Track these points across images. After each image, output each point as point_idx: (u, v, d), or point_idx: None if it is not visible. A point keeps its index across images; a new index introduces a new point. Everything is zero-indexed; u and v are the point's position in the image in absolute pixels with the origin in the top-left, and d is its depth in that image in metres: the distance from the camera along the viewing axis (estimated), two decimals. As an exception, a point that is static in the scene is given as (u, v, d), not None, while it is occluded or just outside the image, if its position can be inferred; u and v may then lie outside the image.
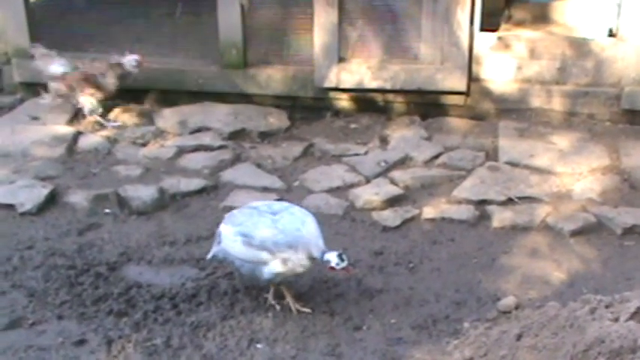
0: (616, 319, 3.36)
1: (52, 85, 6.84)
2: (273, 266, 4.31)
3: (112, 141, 6.59)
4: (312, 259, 4.29)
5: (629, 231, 5.30)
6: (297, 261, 4.29)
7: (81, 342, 4.25)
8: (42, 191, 5.68)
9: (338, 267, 4.26)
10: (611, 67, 6.75)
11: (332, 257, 4.25)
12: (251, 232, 4.33)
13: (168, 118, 6.90)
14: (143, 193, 5.68)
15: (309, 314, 4.46)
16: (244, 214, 4.47)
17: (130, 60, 6.78)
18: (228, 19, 6.94)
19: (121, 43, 7.17)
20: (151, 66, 6.93)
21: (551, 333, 3.52)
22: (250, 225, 4.35)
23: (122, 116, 6.94)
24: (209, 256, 4.65)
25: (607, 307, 3.48)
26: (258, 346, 4.23)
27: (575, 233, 5.29)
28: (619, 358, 3.17)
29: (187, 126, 6.79)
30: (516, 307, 4.41)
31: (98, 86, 6.78)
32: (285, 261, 4.29)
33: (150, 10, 7.41)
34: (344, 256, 4.27)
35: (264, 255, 4.30)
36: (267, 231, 4.30)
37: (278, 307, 4.50)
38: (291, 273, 4.38)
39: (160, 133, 6.73)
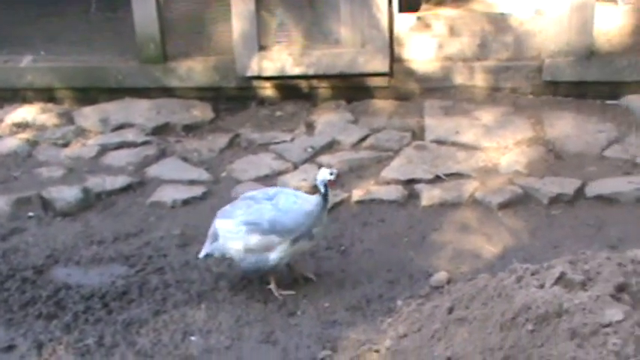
0: (542, 286, 3.38)
1: None
2: (282, 249, 4.34)
3: (32, 143, 6.47)
4: (312, 237, 4.39)
5: (555, 200, 5.37)
6: (306, 237, 4.38)
7: (10, 348, 4.17)
8: (-39, 198, 5.55)
9: (333, 176, 4.30)
10: (530, 41, 6.83)
11: (324, 174, 4.30)
12: (257, 218, 4.35)
13: (88, 116, 6.79)
14: (67, 194, 5.58)
15: (242, 303, 4.45)
16: (240, 206, 4.48)
17: None
18: (144, 13, 6.84)
19: (36, 43, 7.04)
20: (67, 65, 6.80)
21: (481, 304, 3.53)
22: (254, 212, 4.38)
23: (40, 117, 6.80)
24: (201, 255, 4.59)
25: (533, 274, 3.50)
26: (193, 338, 4.20)
27: (503, 206, 5.34)
28: (546, 323, 3.21)
29: (109, 123, 6.69)
30: (448, 282, 4.44)
31: None
32: (294, 241, 4.34)
33: (63, 8, 7.27)
34: (333, 171, 4.33)
35: (273, 239, 4.33)
36: (272, 213, 4.34)
37: (280, 297, 4.48)
38: (298, 252, 4.47)
39: (82, 133, 6.63)
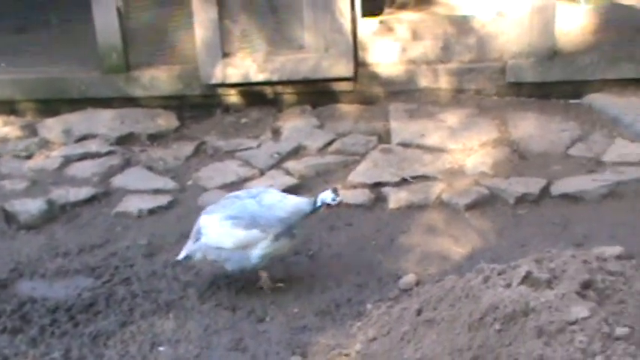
0: (508, 285, 3.39)
1: None
2: (264, 245, 4.36)
3: (-6, 156, 6.41)
4: (294, 236, 4.44)
5: (521, 200, 5.39)
6: (287, 236, 4.41)
7: (-26, 364, 4.09)
8: None
9: (334, 202, 4.38)
10: (493, 43, 6.87)
11: (327, 195, 4.36)
12: (240, 212, 4.38)
13: (51, 127, 6.72)
14: (31, 207, 5.50)
15: (211, 311, 4.41)
16: (224, 204, 4.52)
17: None
18: (105, 22, 6.78)
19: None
20: (28, 76, 6.73)
21: (449, 305, 3.54)
22: (238, 207, 4.42)
23: (2, 130, 6.72)
24: (180, 256, 4.56)
25: (500, 274, 3.51)
26: (161, 348, 4.15)
27: (469, 207, 5.35)
28: (513, 322, 3.22)
29: (72, 134, 6.62)
30: (417, 284, 4.43)
31: None
32: (276, 237, 4.36)
33: (24, 19, 7.20)
34: (338, 192, 4.40)
35: (255, 233, 4.35)
36: (256, 208, 4.38)
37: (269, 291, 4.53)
38: (279, 251, 4.48)
39: (45, 144, 6.56)
